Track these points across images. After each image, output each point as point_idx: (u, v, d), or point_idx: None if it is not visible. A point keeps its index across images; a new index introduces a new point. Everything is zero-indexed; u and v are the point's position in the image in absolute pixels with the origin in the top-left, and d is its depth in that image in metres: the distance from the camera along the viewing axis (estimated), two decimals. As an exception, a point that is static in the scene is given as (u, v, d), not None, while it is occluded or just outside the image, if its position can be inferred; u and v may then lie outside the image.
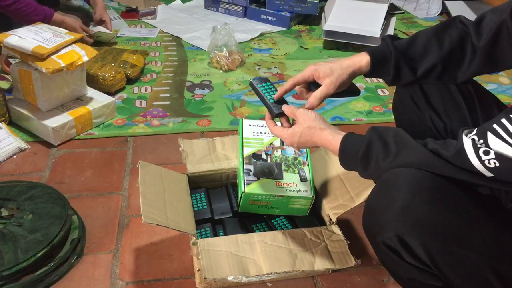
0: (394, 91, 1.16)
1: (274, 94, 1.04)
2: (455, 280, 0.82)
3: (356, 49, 2.27)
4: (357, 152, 0.87)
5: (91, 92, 1.68)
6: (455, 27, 0.97)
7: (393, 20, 2.45)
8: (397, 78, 1.00)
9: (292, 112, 0.99)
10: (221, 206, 1.26)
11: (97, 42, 2.19)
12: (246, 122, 1.31)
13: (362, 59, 0.99)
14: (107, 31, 2.22)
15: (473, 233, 0.79)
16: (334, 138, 0.92)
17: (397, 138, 0.84)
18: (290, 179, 1.19)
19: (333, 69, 0.98)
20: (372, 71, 0.99)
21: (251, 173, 1.18)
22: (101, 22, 2.25)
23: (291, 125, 1.00)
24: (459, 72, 0.98)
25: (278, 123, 1.03)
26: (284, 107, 1.01)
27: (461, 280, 0.82)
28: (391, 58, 0.97)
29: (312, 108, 0.99)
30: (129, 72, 1.88)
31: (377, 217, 0.83)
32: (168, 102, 1.82)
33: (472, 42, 0.95)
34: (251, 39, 2.36)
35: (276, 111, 1.02)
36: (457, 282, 0.82)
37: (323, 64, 0.99)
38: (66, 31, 1.58)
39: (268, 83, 1.07)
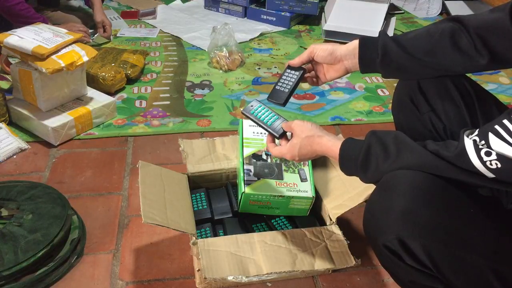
0: (393, 91, 1.16)
1: (269, 114, 1.05)
2: (456, 282, 0.82)
3: (356, 49, 2.27)
4: (357, 156, 0.87)
5: (91, 92, 1.68)
6: (447, 22, 0.96)
7: (393, 20, 2.46)
8: (386, 58, 0.97)
9: (288, 126, 1.01)
10: (221, 206, 1.26)
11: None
12: (246, 123, 1.31)
13: (352, 42, 1.01)
14: (105, 40, 2.24)
15: (474, 234, 0.79)
16: (333, 144, 0.92)
17: (397, 140, 0.84)
18: (290, 179, 1.19)
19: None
20: (361, 53, 0.99)
21: (251, 173, 1.18)
22: (101, 26, 2.23)
23: None
24: (456, 54, 0.93)
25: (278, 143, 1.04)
26: (283, 125, 1.03)
27: (463, 282, 0.81)
28: (378, 39, 0.97)
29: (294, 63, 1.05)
30: (129, 72, 1.88)
31: (378, 219, 0.83)
32: (168, 102, 1.82)
33: (466, 27, 0.92)
34: (251, 39, 2.36)
35: (278, 132, 1.02)
36: (459, 284, 0.82)
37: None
38: (66, 31, 1.58)
39: (258, 106, 1.07)
